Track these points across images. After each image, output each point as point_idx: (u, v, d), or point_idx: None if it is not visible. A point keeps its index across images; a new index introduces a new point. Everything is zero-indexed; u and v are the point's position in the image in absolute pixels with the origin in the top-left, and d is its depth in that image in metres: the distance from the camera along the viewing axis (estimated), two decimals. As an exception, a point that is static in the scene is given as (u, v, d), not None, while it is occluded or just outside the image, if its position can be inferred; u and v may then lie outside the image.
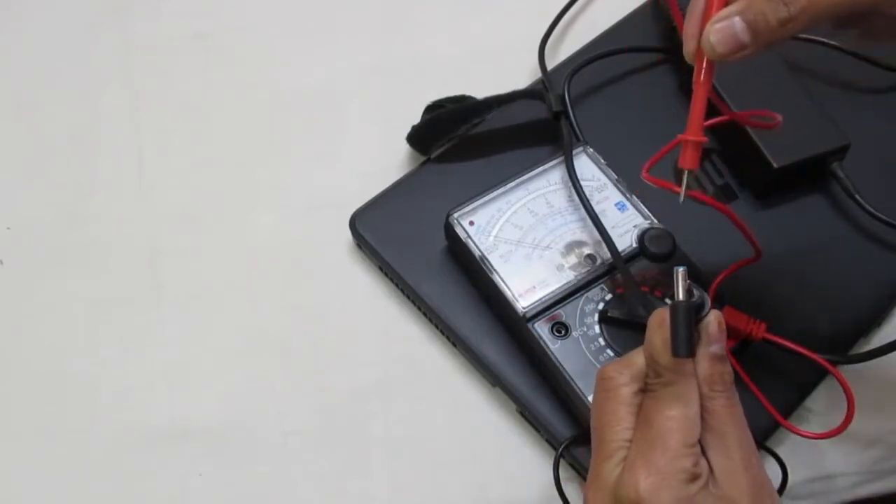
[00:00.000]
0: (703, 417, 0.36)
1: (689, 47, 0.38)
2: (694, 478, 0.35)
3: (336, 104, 0.59)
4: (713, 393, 0.36)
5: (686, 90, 0.56)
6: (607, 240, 0.46)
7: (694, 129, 0.38)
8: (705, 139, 0.38)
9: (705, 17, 0.37)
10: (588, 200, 0.48)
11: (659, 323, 0.37)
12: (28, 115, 0.59)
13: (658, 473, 0.34)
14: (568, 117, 0.54)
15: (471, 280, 0.50)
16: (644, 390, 0.37)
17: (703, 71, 0.38)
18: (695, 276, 0.47)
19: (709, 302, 0.38)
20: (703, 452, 0.36)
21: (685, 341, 0.36)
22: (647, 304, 0.45)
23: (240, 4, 0.63)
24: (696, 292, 0.37)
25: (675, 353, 0.36)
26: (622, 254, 0.47)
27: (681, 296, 0.36)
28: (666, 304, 0.45)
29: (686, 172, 0.39)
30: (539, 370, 0.47)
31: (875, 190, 0.51)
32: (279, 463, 0.48)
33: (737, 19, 0.36)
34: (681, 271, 0.37)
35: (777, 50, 0.52)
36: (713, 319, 0.37)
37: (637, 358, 0.38)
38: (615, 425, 0.37)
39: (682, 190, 0.39)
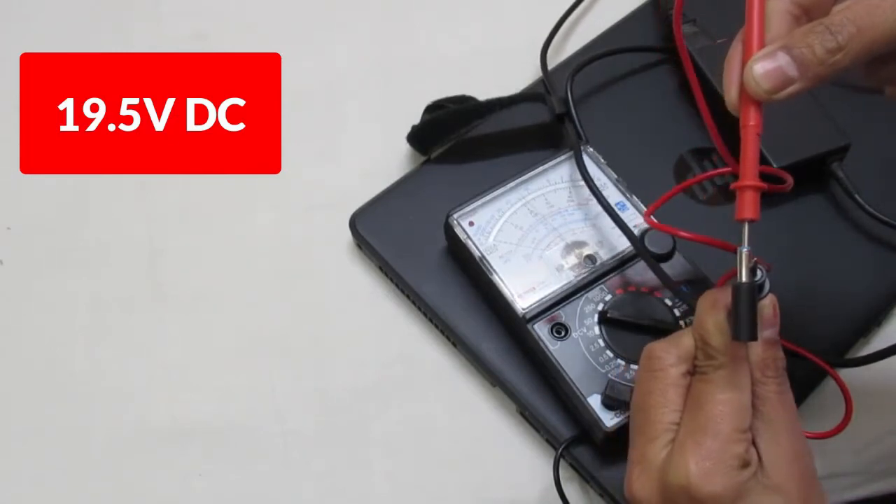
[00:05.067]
0: (752, 403, 0.35)
1: (731, 96, 0.35)
2: (745, 464, 0.34)
3: (336, 104, 0.59)
4: (765, 378, 0.35)
5: (686, 89, 0.56)
6: (627, 231, 0.46)
7: (750, 175, 0.34)
8: (764, 185, 0.34)
9: (745, 61, 0.34)
10: (604, 197, 0.47)
11: (711, 304, 0.36)
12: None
13: (710, 458, 0.33)
14: (571, 118, 0.53)
15: (471, 280, 0.50)
16: (691, 372, 0.36)
17: (749, 113, 0.34)
18: (695, 277, 0.47)
19: (769, 283, 0.36)
20: (752, 439, 0.35)
21: (748, 324, 0.34)
22: (681, 296, 0.43)
23: (240, 4, 0.63)
24: (758, 272, 0.35)
25: (738, 335, 0.34)
26: (622, 255, 0.47)
27: (744, 277, 0.34)
28: (666, 304, 0.46)
29: (746, 224, 0.35)
30: (539, 370, 0.47)
31: (875, 190, 0.51)
32: (279, 463, 0.48)
33: (780, 53, 0.33)
34: (745, 252, 0.34)
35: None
36: (768, 303, 0.36)
37: (685, 339, 0.37)
38: (663, 406, 0.36)
39: (745, 243, 0.35)
